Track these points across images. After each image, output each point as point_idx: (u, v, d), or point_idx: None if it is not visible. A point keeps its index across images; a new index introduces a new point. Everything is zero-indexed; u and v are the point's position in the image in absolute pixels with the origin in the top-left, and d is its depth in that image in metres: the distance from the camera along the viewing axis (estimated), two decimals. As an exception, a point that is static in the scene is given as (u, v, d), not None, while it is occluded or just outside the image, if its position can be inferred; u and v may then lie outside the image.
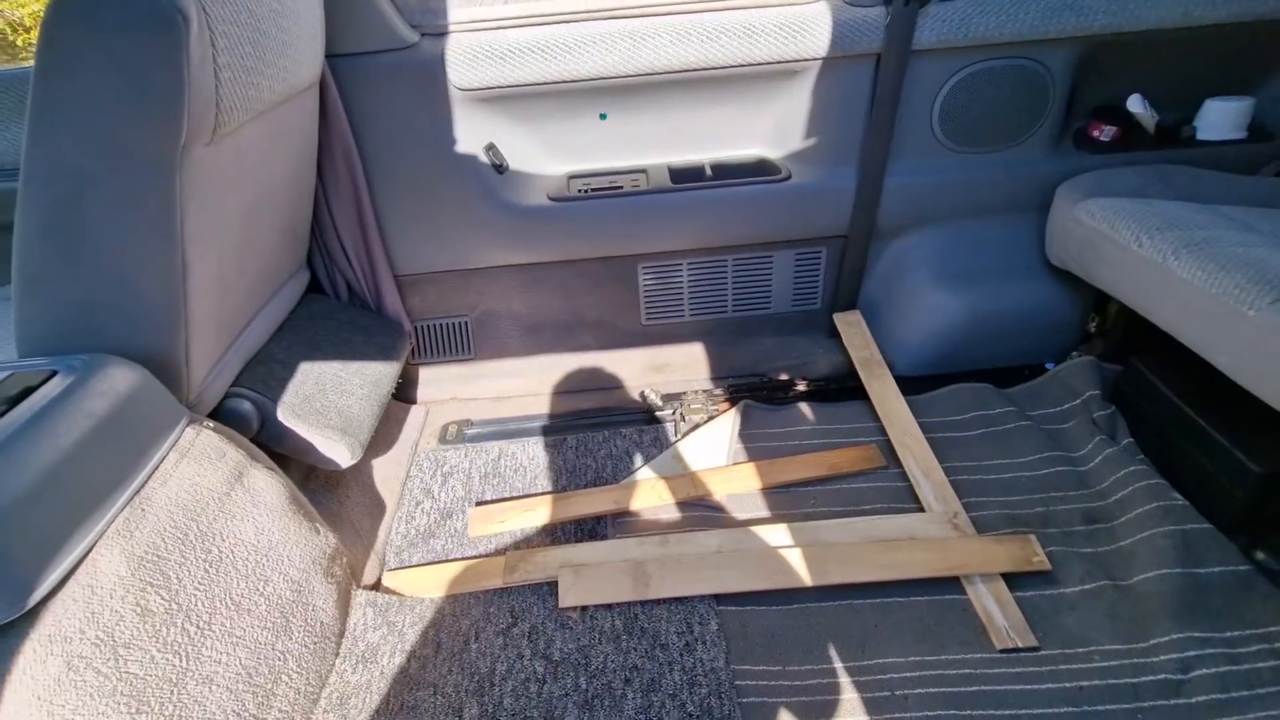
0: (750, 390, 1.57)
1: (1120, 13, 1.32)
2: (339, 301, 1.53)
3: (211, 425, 0.99)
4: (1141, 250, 1.20)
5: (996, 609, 1.05)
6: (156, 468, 0.87)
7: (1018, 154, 1.49)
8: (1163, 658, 0.97)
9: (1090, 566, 1.11)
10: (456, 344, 1.66)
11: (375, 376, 1.37)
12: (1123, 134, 1.49)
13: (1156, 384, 1.28)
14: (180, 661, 0.79)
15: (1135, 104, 1.48)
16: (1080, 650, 1.00)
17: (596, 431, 1.50)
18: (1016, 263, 1.54)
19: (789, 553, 1.14)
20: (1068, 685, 0.96)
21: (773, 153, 1.55)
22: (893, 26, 1.32)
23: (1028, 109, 1.44)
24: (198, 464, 0.92)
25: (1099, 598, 1.07)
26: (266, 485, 1.00)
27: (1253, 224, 1.24)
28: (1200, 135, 1.49)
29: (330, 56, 1.30)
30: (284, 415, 1.16)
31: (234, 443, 0.99)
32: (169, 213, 0.90)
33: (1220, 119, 1.48)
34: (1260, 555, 1.08)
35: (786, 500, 1.29)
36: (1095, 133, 1.51)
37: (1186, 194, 1.36)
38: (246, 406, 1.15)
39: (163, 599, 0.80)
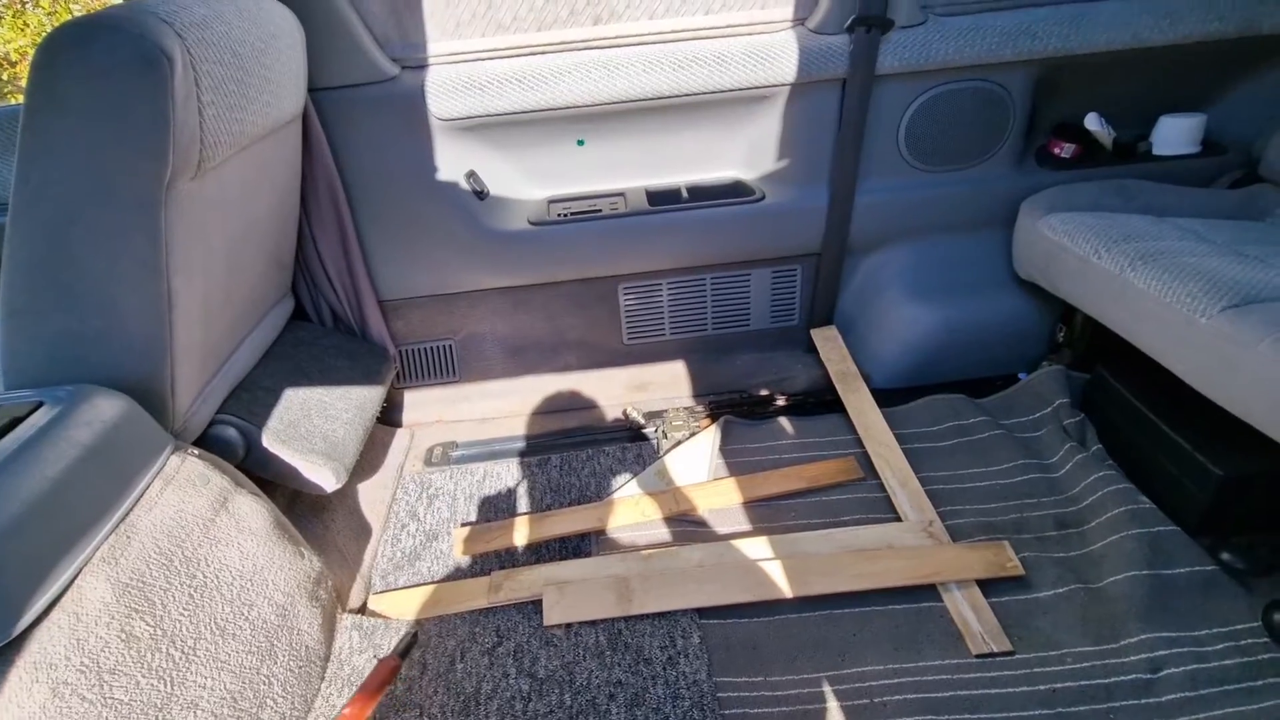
0: (731, 406, 1.60)
1: (1073, 36, 1.39)
2: (324, 328, 1.55)
3: (196, 452, 1.00)
4: (1101, 262, 1.25)
5: (972, 615, 1.08)
6: (142, 495, 0.89)
7: (983, 171, 1.55)
8: (1133, 658, 1.00)
9: (1062, 571, 1.14)
10: (441, 367, 1.68)
11: (360, 401, 1.39)
12: (1082, 151, 1.55)
13: (1121, 391, 1.32)
14: (165, 687, 0.80)
15: (1093, 122, 1.54)
16: (1054, 653, 1.02)
17: (580, 450, 1.52)
18: (986, 276, 1.58)
19: (769, 565, 1.16)
20: (1042, 688, 0.98)
21: (747, 174, 1.60)
22: (856, 53, 1.37)
23: (990, 128, 1.50)
24: (182, 490, 0.94)
25: (1071, 601, 1.09)
26: (251, 510, 1.01)
27: (1206, 235, 1.29)
28: (1155, 150, 1.55)
29: (313, 90, 1.34)
30: (269, 441, 1.18)
31: (219, 469, 1.01)
32: (154, 245, 0.93)
33: (1174, 134, 1.54)
34: (1225, 555, 1.11)
35: (767, 514, 1.31)
36: (1056, 150, 1.57)
37: (1143, 207, 1.41)
38: (232, 433, 1.16)
39: (148, 625, 0.81)
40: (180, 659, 0.82)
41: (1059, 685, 0.98)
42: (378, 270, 1.55)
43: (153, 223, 0.91)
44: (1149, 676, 0.98)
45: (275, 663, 0.95)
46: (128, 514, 0.85)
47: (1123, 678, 0.98)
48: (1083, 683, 0.98)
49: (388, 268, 1.55)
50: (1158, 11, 1.39)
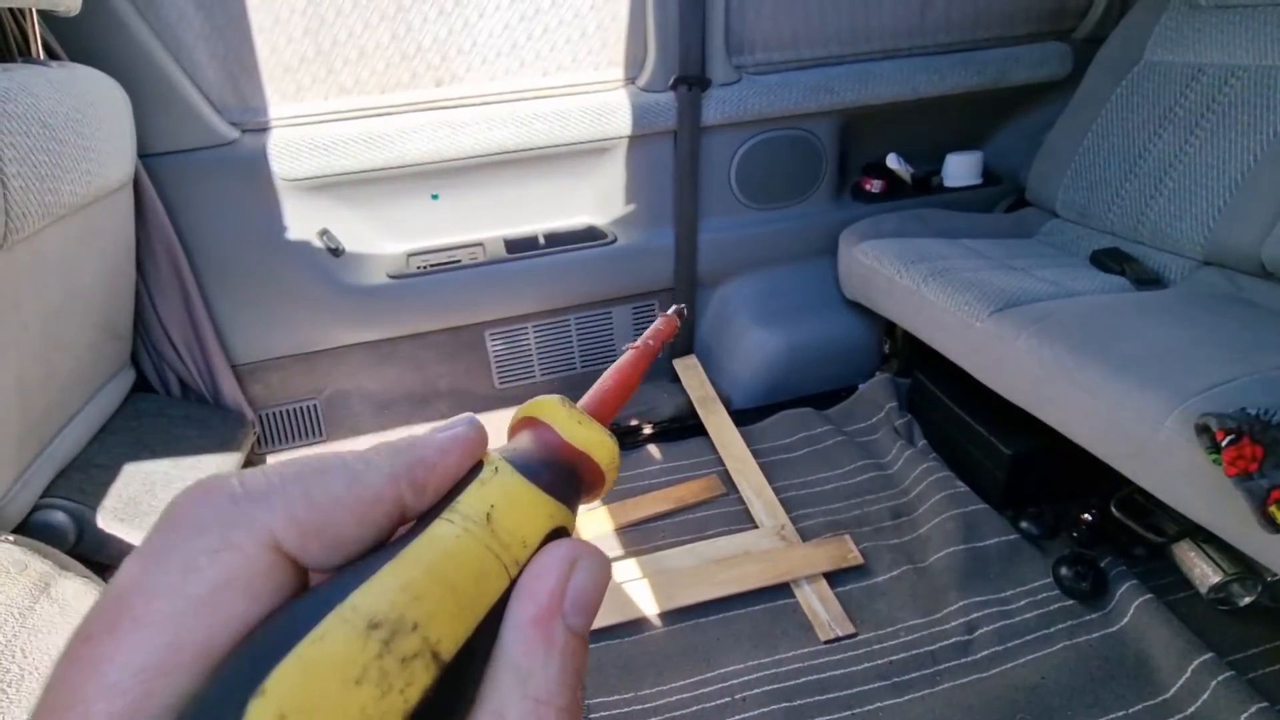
0: (602, 439, 1.66)
1: (863, 90, 1.60)
2: (170, 398, 1.48)
3: (12, 539, 0.94)
4: (903, 280, 1.43)
5: (820, 605, 1.18)
6: (-57, 590, 0.82)
7: (807, 207, 1.73)
8: (954, 623, 1.13)
9: (896, 555, 1.27)
10: (306, 428, 1.64)
11: (213, 470, 1.33)
12: (888, 186, 1.78)
13: (935, 391, 1.50)
14: (-27, 796, 0.73)
15: (893, 161, 1.77)
16: (889, 629, 1.14)
17: (455, 497, 1.52)
18: (821, 300, 1.75)
19: (637, 585, 1.22)
20: (880, 662, 1.09)
21: (598, 219, 1.70)
22: (682, 108, 1.52)
23: (808, 169, 1.69)
24: (-5, 581, 0.87)
25: (904, 581, 1.22)
26: (79, 594, 0.95)
27: (984, 252, 1.51)
28: (947, 183, 1.81)
29: (145, 156, 1.31)
30: (105, 522, 1.11)
31: (39, 554, 0.94)
32: (-47, 323, 0.88)
33: (959, 169, 1.80)
34: (1023, 524, 1.28)
35: (638, 536, 1.37)
36: (867, 186, 1.78)
37: (938, 231, 1.63)
38: (59, 517, 1.09)
39: (-50, 730, 0.74)
40: (-8, 763, 0.76)
41: (894, 658, 1.09)
42: (229, 334, 1.51)
43: (-48, 299, 0.87)
44: (966, 638, 1.10)
45: (112, 755, 0.89)
46: (-75, 612, 0.79)
47: (946, 642, 1.10)
48: (914, 652, 1.09)
49: (240, 331, 1.51)
50: (929, 69, 1.64)
